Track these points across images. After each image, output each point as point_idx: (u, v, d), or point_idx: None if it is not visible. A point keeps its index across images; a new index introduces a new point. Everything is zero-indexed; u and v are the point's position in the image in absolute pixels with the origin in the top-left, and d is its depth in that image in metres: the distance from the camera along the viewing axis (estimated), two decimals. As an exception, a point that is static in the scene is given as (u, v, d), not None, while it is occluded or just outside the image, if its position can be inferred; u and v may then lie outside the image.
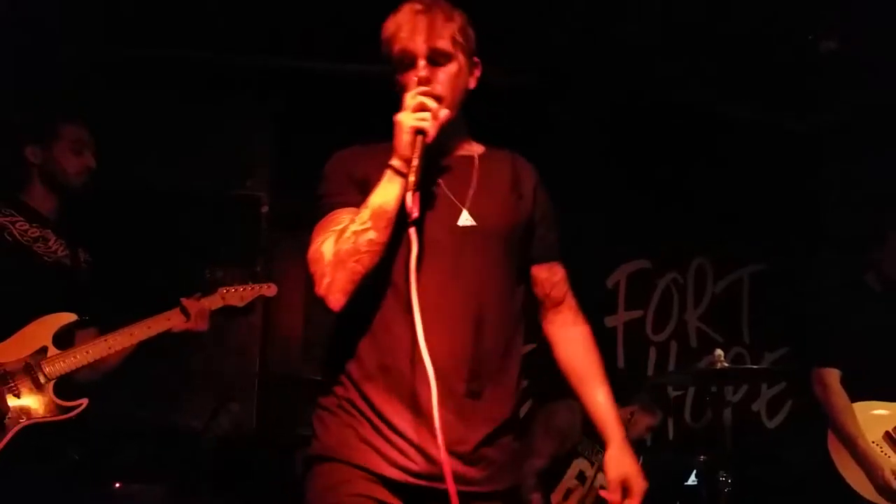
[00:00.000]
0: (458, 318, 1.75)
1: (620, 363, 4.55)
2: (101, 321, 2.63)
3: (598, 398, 1.89)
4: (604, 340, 4.38)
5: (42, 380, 2.41)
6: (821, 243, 4.69)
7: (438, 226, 1.77)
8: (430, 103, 1.72)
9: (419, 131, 1.69)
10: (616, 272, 4.62)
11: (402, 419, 1.70)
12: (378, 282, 1.74)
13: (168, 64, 3.83)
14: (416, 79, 1.79)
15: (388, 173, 1.72)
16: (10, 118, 2.98)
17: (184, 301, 2.60)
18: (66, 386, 2.45)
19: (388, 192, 1.71)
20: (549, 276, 1.95)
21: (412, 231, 1.68)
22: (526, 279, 1.93)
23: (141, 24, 3.57)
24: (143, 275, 3.64)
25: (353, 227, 1.71)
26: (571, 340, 1.95)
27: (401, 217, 1.70)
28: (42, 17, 3.21)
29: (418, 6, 1.86)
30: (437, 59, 1.82)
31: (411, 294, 1.65)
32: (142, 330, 2.55)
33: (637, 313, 4.64)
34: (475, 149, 1.96)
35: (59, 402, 2.41)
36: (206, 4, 3.52)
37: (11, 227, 2.54)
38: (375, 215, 1.70)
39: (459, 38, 1.86)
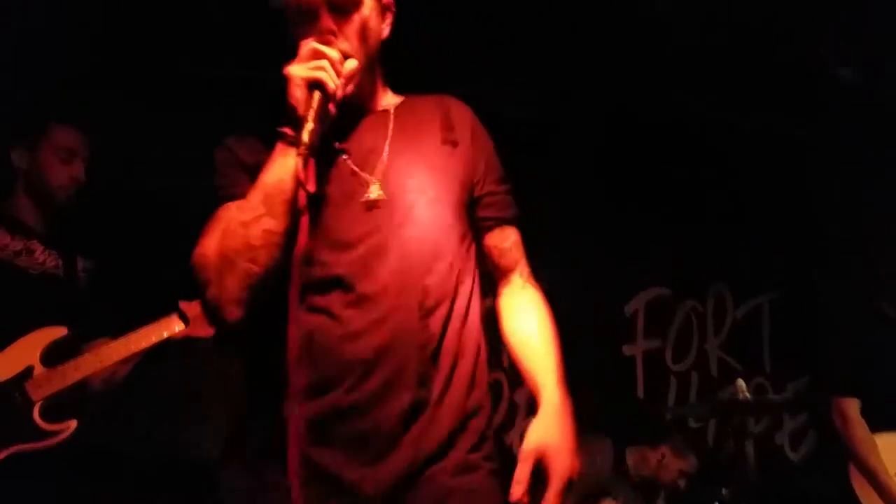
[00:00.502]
0: (394, 311, 1.45)
1: (640, 393, 4.48)
2: (107, 330, 2.45)
3: (541, 363, 1.58)
4: (623, 370, 4.42)
5: (25, 403, 2.24)
6: (836, 270, 4.63)
7: (345, 203, 1.49)
8: (330, 51, 1.42)
9: (315, 84, 1.38)
10: (634, 300, 4.55)
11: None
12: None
13: (170, 70, 3.72)
14: (317, 31, 1.47)
15: (280, 144, 1.40)
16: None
17: (182, 305, 2.40)
18: (59, 404, 2.28)
19: (282, 167, 1.38)
20: (499, 243, 1.67)
21: (301, 196, 1.38)
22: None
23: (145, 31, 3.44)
24: (149, 280, 3.49)
25: (242, 217, 1.39)
26: (516, 306, 1.66)
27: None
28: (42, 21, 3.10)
29: None
30: (340, 8, 1.50)
31: (294, 292, 1.37)
32: (138, 339, 2.37)
33: (656, 342, 4.56)
34: (393, 102, 1.66)
35: (44, 426, 2.24)
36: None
37: None
38: (269, 198, 1.37)
39: None
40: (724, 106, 4.21)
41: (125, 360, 2.39)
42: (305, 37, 1.45)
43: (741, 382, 3.06)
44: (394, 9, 1.63)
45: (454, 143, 1.62)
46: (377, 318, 1.44)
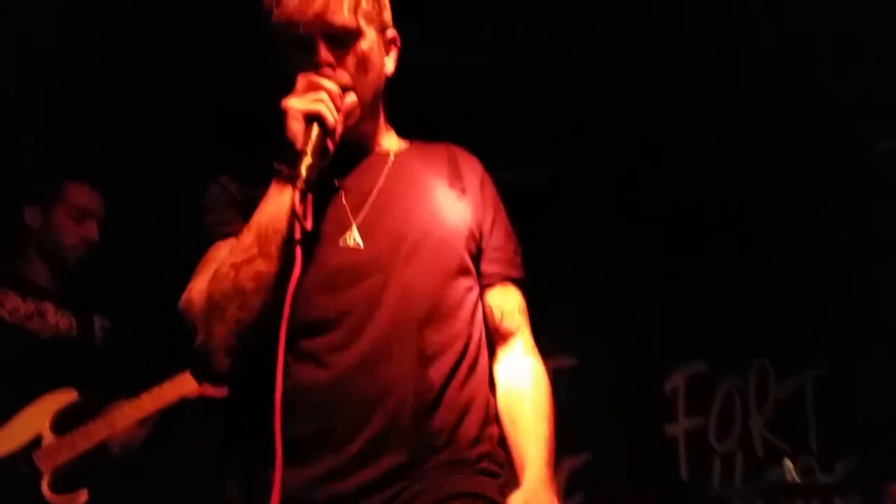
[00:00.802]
0: (387, 359, 1.34)
1: (683, 475, 4.31)
2: (124, 391, 2.37)
3: (530, 439, 1.44)
4: (665, 450, 4.26)
5: (33, 475, 2.15)
6: (884, 346, 4.47)
7: (334, 243, 1.39)
8: (328, 84, 1.34)
9: (313, 117, 1.30)
10: (673, 376, 4.42)
11: None
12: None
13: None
14: (314, 63, 1.38)
15: (275, 181, 1.31)
16: (12, 175, 2.74)
17: None
18: (70, 473, 2.20)
19: (276, 205, 1.29)
20: (501, 303, 1.55)
21: (298, 248, 1.27)
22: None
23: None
24: (165, 337, 3.37)
25: (233, 259, 1.29)
26: (513, 376, 1.52)
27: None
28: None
29: None
30: (338, 38, 1.40)
31: (280, 335, 1.22)
32: (151, 401, 2.29)
33: (698, 421, 4.39)
34: (396, 145, 1.57)
35: (52, 498, 2.15)
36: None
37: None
38: (262, 238, 1.28)
39: (368, 8, 1.44)
40: (772, 186, 4.18)
41: (139, 423, 2.31)
42: (302, 69, 1.38)
43: (788, 463, 2.95)
44: (399, 44, 1.54)
45: (462, 190, 1.53)
46: (368, 365, 1.33)
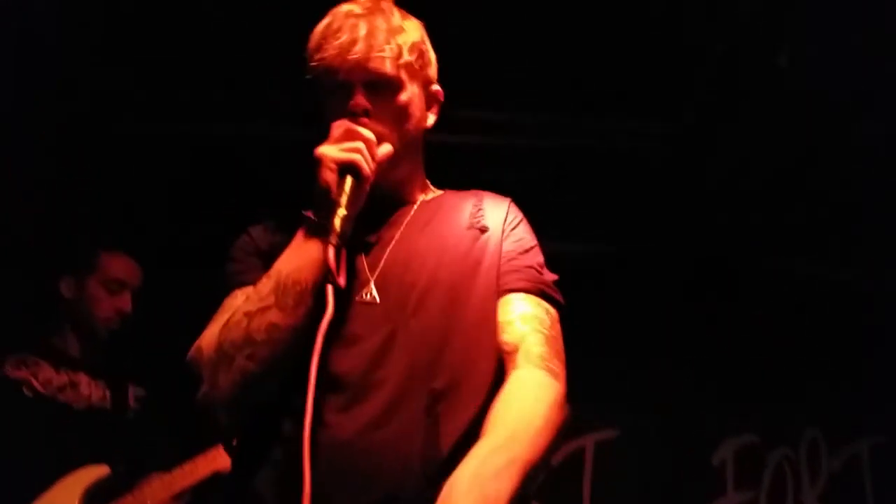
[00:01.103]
0: (394, 415, 1.23)
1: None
2: (157, 464, 2.33)
3: (475, 451, 1.15)
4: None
5: None
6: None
7: (349, 298, 1.31)
8: (365, 132, 1.29)
9: (348, 168, 1.24)
10: (721, 449, 4.26)
11: None
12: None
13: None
14: (350, 109, 1.35)
15: (303, 230, 1.26)
16: (47, 245, 2.75)
17: None
18: None
19: (301, 255, 1.24)
20: (503, 317, 1.35)
21: (329, 291, 1.17)
22: None
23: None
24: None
25: (247, 307, 1.23)
26: (504, 389, 1.27)
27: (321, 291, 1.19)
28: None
29: (357, 9, 1.40)
30: (379, 86, 1.37)
31: (309, 382, 1.11)
32: (183, 476, 2.25)
33: (748, 495, 4.19)
34: (425, 196, 1.51)
35: None
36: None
37: (32, 378, 2.32)
38: (281, 288, 1.21)
39: (411, 59, 1.40)
40: (825, 261, 4.12)
41: (172, 499, 2.25)
42: (337, 115, 1.34)
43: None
44: (442, 99, 1.50)
45: (482, 229, 1.43)
46: (373, 427, 1.22)
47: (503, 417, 1.19)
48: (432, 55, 1.50)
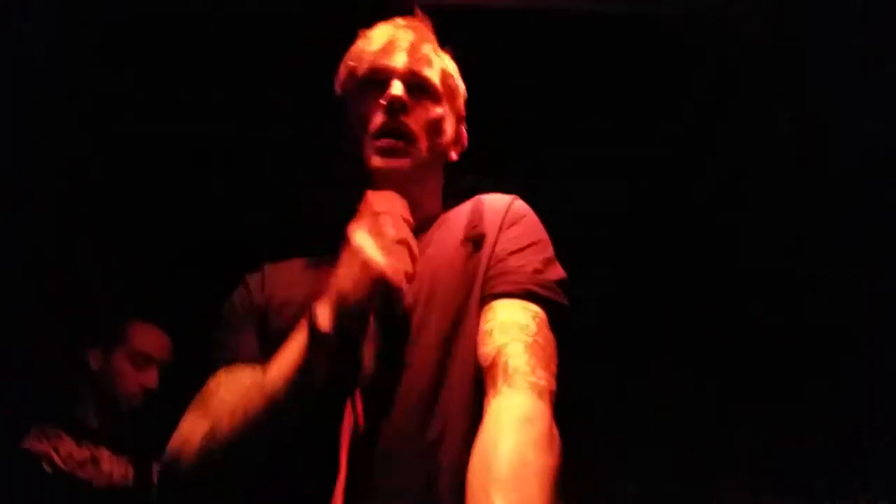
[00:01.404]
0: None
1: None
2: None
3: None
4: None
5: None
6: None
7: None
8: (409, 235, 1.13)
9: (388, 287, 1.05)
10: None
11: None
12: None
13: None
14: (383, 102, 1.24)
15: (303, 335, 1.07)
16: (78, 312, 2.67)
17: None
18: None
19: (306, 378, 1.06)
20: (482, 325, 1.16)
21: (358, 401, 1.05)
22: None
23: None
24: None
25: (233, 421, 1.10)
26: (481, 431, 1.04)
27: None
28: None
29: (402, 21, 1.37)
30: (418, 88, 1.29)
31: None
32: None
33: (748, 495, 4.19)
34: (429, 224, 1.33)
35: None
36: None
37: (53, 453, 2.22)
38: (279, 408, 1.08)
39: (450, 83, 1.35)
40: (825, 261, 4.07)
41: None
42: (370, 107, 1.25)
43: None
44: (465, 144, 1.41)
45: (478, 237, 1.24)
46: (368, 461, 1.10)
47: (483, 481, 0.97)
48: (463, 92, 1.41)
